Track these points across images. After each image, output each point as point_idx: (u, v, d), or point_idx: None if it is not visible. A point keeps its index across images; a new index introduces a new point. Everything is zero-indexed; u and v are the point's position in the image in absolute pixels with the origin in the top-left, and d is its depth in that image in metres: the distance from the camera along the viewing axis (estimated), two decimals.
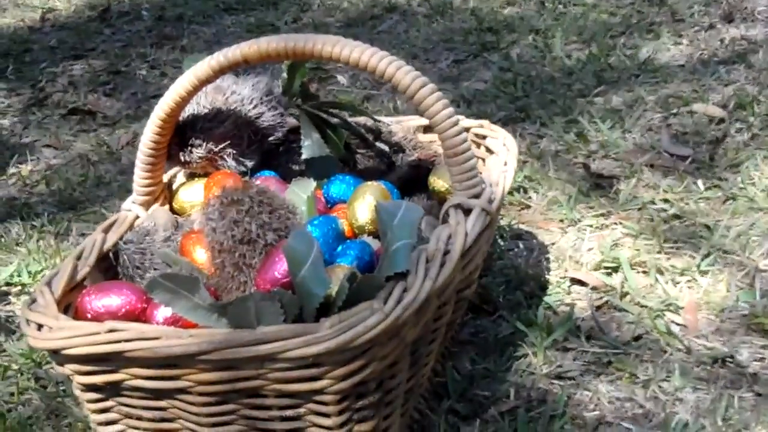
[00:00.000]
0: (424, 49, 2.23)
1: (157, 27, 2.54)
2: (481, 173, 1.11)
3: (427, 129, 1.35)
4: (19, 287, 1.45)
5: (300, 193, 1.13)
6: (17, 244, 1.56)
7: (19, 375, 1.26)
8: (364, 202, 1.12)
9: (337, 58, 1.05)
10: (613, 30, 2.18)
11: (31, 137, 2.00)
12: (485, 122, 1.32)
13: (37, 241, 1.57)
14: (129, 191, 1.70)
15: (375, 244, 1.10)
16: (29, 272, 1.47)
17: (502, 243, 1.45)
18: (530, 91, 1.95)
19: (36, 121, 2.07)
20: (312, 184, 1.14)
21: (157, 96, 2.15)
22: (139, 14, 2.62)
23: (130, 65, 2.33)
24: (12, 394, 1.22)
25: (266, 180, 1.17)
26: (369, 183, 1.16)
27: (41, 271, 1.48)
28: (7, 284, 1.46)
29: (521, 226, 1.50)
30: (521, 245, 1.46)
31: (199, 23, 2.53)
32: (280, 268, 0.95)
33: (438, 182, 1.20)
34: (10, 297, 1.43)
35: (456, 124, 1.05)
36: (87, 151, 1.90)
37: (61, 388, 1.23)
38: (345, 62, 1.05)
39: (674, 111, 1.79)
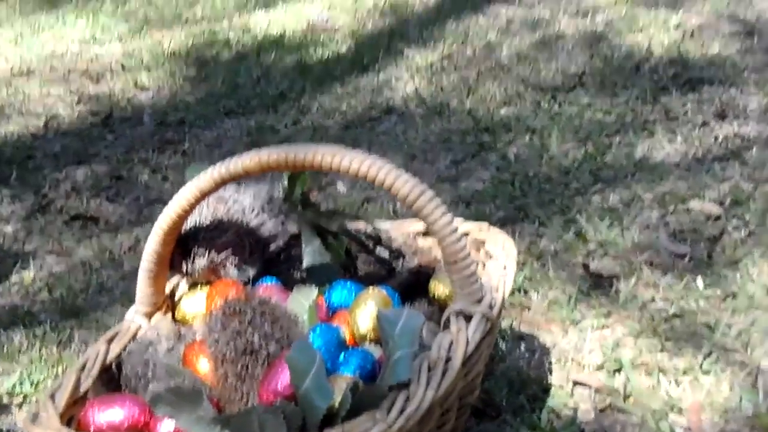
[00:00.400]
0: (423, 150, 2.26)
1: (159, 131, 2.58)
2: (481, 278, 1.12)
3: (426, 233, 1.37)
4: (21, 397, 1.45)
5: (302, 300, 1.14)
6: (20, 353, 1.56)
7: None
8: (366, 310, 1.13)
9: (336, 169, 1.06)
10: (608, 129, 2.21)
11: (34, 244, 2.01)
12: (484, 225, 1.34)
13: (40, 349, 1.57)
14: (131, 298, 1.71)
15: (377, 351, 1.10)
16: (31, 382, 1.47)
17: (503, 345, 1.46)
18: (528, 190, 1.97)
19: (39, 228, 2.09)
20: (314, 291, 1.15)
21: (159, 201, 2.19)
22: (141, 119, 2.66)
23: (132, 170, 2.35)
24: None
25: (268, 288, 1.18)
26: (370, 290, 1.17)
27: (43, 380, 1.48)
28: (9, 394, 1.45)
29: (522, 328, 1.50)
30: (523, 347, 1.46)
31: (201, 127, 2.57)
32: (282, 379, 0.95)
33: (439, 288, 1.21)
34: (12, 407, 1.43)
35: (455, 231, 1.07)
36: (89, 258, 1.91)
37: None
38: (345, 172, 1.06)
39: (671, 209, 1.81)
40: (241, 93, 2.75)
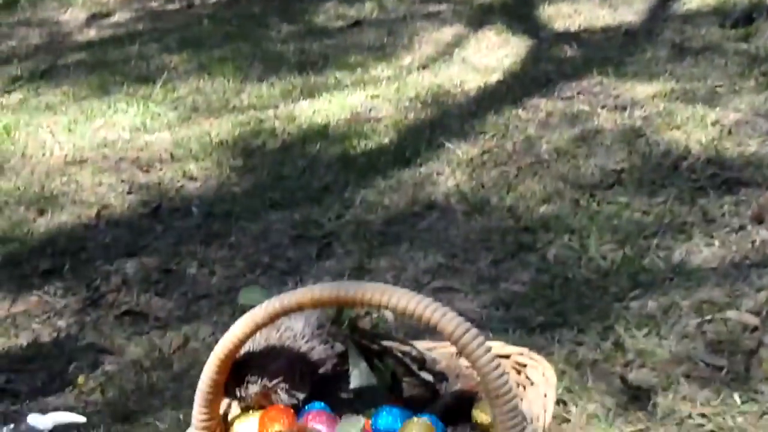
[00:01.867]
0: (463, 249, 2.31)
1: (206, 223, 2.65)
2: (522, 408, 1.16)
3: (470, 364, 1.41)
4: None
5: (350, 429, 1.19)
6: None
7: None
8: None
9: (385, 306, 1.12)
10: (646, 230, 2.25)
11: (87, 340, 2.08)
12: (525, 350, 1.39)
13: None
14: (180, 401, 1.78)
15: None
16: None
17: None
18: (567, 294, 2.01)
19: (91, 323, 2.16)
20: (361, 420, 1.20)
21: (207, 296, 2.26)
22: (189, 211, 2.74)
23: (180, 263, 2.43)
24: None
25: (317, 415, 1.23)
26: (415, 419, 1.21)
27: None
28: None
29: None
30: None
31: (247, 219, 2.64)
32: None
33: (482, 416, 1.26)
34: None
35: (498, 367, 1.11)
36: (140, 356, 1.98)
37: None
38: (392, 310, 1.12)
39: (708, 318, 1.85)
40: (287, 185, 2.82)
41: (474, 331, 1.12)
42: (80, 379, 1.90)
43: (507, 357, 1.37)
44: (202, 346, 1.99)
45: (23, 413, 1.60)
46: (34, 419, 1.11)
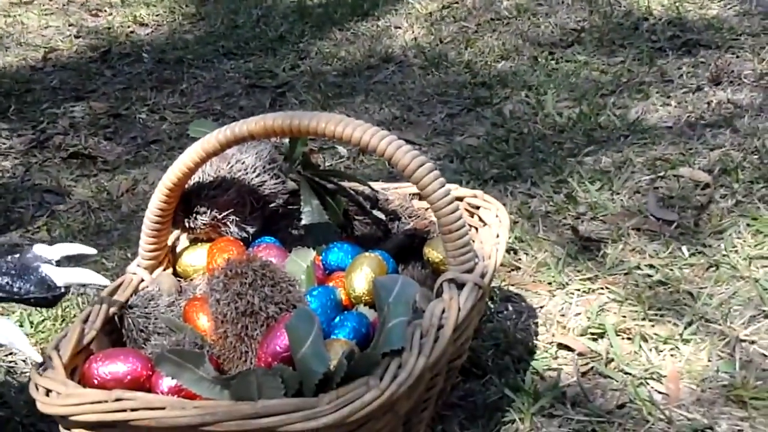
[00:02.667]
0: (419, 102, 2.28)
1: (157, 70, 2.59)
2: (473, 246, 1.16)
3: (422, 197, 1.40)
4: None
5: (300, 262, 1.18)
6: None
7: (20, 427, 1.29)
8: (361, 274, 1.17)
9: (339, 137, 1.09)
10: (604, 88, 2.23)
11: (33, 181, 2.04)
12: (479, 192, 1.37)
13: None
14: (128, 241, 1.75)
15: (371, 313, 1.14)
16: (31, 322, 1.51)
17: (491, 305, 1.50)
18: (522, 148, 2.00)
19: (37, 164, 2.11)
20: (311, 253, 1.19)
21: (157, 141, 2.22)
22: (140, 56, 2.67)
23: (130, 108, 2.37)
24: None
25: (267, 248, 1.21)
26: (366, 254, 1.20)
27: (42, 321, 1.52)
28: None
29: (511, 288, 1.55)
30: (510, 308, 1.50)
31: (199, 67, 2.58)
32: (281, 342, 0.99)
33: (433, 253, 1.25)
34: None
35: (451, 202, 1.10)
36: (87, 198, 1.94)
37: None
38: (347, 141, 1.09)
39: (661, 174, 1.85)
40: (240, 33, 2.76)
41: (429, 164, 1.10)
42: (25, 217, 1.87)
43: (461, 200, 1.36)
44: (151, 189, 1.95)
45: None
46: (40, 249, 1.08)
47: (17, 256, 1.08)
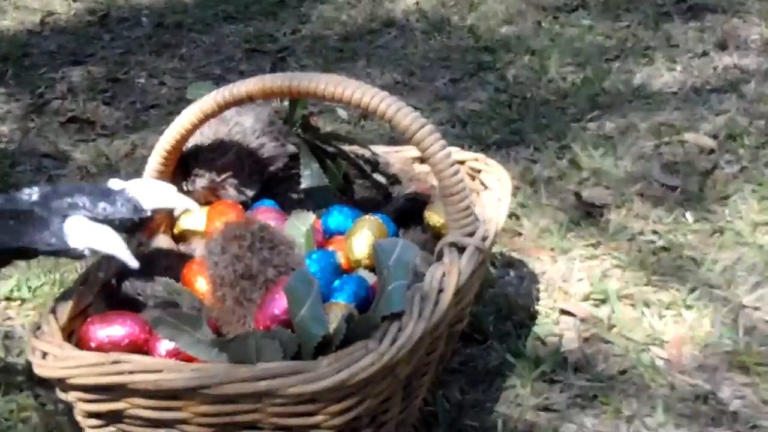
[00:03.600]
0: (421, 67, 2.25)
1: (156, 34, 2.56)
2: (474, 210, 1.14)
3: (423, 160, 1.38)
4: (19, 302, 1.48)
5: (299, 225, 1.16)
6: None
7: (18, 392, 1.29)
8: (361, 237, 1.15)
9: (339, 99, 1.08)
10: (608, 53, 2.21)
11: (31, 146, 2.02)
12: (481, 156, 1.36)
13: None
14: None
15: (371, 277, 1.13)
16: (29, 287, 1.50)
17: (493, 270, 1.49)
18: (525, 113, 1.98)
19: (35, 129, 2.09)
20: (311, 217, 1.18)
21: (156, 106, 2.19)
22: (139, 21, 2.64)
23: (129, 73, 2.35)
24: (11, 411, 1.25)
25: (266, 211, 1.20)
26: (366, 217, 1.19)
27: (41, 285, 1.51)
28: (7, 299, 1.48)
29: (513, 254, 1.53)
30: (512, 273, 1.49)
31: (199, 31, 2.55)
32: (279, 305, 0.98)
33: (433, 217, 1.23)
34: (9, 312, 1.46)
35: (452, 165, 1.09)
36: (86, 162, 1.93)
37: (60, 406, 1.25)
38: (346, 102, 1.08)
39: (666, 140, 1.83)
40: None
41: (430, 126, 1.08)
42: (23, 181, 1.85)
43: (462, 163, 1.34)
44: (150, 154, 1.93)
45: None
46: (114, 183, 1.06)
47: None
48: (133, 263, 1.02)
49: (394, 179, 1.32)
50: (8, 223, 1.02)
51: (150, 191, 1.05)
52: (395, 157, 1.37)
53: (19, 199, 1.03)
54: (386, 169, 1.32)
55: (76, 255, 1.02)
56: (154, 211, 1.04)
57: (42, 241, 1.01)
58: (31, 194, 1.04)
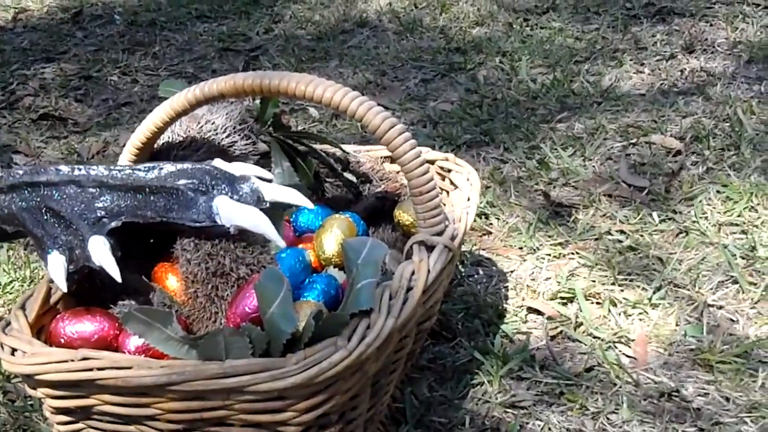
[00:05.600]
0: (393, 67, 2.27)
1: (129, 32, 2.56)
2: (444, 209, 1.16)
3: (393, 159, 1.39)
4: None
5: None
6: None
7: None
8: (331, 235, 1.17)
9: (309, 98, 1.09)
10: (577, 55, 2.23)
11: (2, 142, 2.02)
12: (450, 156, 1.37)
13: (8, 251, 1.59)
14: None
15: (340, 276, 1.14)
16: None
17: (462, 269, 1.50)
18: (495, 114, 2.00)
19: (6, 125, 2.09)
20: (281, 215, 1.18)
21: (128, 104, 2.20)
22: (112, 18, 2.64)
23: (101, 71, 2.35)
24: None
25: None
26: (336, 216, 1.20)
27: (10, 283, 1.51)
28: None
29: (482, 252, 1.55)
30: (481, 272, 1.50)
31: (172, 30, 2.56)
32: (250, 303, 0.99)
33: (403, 216, 1.25)
34: None
35: (422, 165, 1.10)
36: (57, 159, 1.93)
37: (29, 402, 1.26)
38: (318, 101, 1.09)
39: (633, 141, 1.85)
40: None
41: (400, 126, 1.10)
42: None
43: (432, 162, 1.35)
44: (122, 151, 1.94)
45: None
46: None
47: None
48: (281, 243, 1.04)
49: (364, 178, 1.33)
50: (150, 198, 1.03)
51: (268, 183, 1.06)
52: (366, 156, 1.38)
53: (145, 177, 1.05)
54: (357, 167, 1.33)
55: (220, 232, 1.03)
56: (273, 204, 1.05)
57: (188, 217, 1.03)
58: (155, 169, 1.05)
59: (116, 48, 2.46)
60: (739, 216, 1.59)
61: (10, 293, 1.50)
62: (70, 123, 2.10)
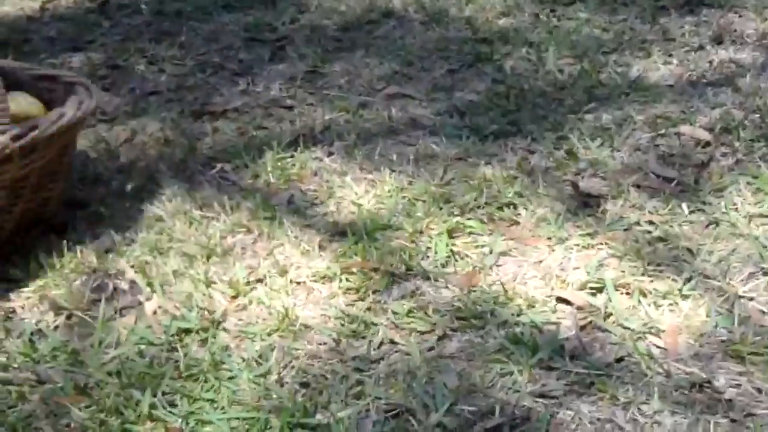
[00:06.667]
0: (420, 57, 2.26)
1: (156, 22, 2.57)
2: None
3: None
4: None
5: None
6: None
7: (19, 373, 1.30)
8: None
9: None
10: (605, 46, 2.22)
11: None
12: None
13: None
14: (125, 191, 1.75)
15: None
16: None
17: (492, 258, 1.50)
18: (522, 104, 1.99)
19: None
20: None
21: (155, 93, 2.20)
22: (138, 8, 2.64)
23: (128, 60, 2.35)
24: (11, 392, 1.26)
25: None
26: None
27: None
28: (7, 280, 1.50)
29: (510, 243, 1.55)
30: (509, 261, 1.50)
31: (198, 20, 2.56)
32: None
33: None
34: (10, 294, 1.47)
35: None
36: (86, 148, 1.93)
37: (59, 385, 1.26)
38: None
39: (662, 132, 1.84)
40: None
41: None
42: None
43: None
44: (149, 140, 1.95)
45: None
46: None
47: None
48: None
49: None
50: None
51: None
52: None
53: None
54: None
55: None
56: None
57: None
58: None
59: (143, 37, 2.47)
60: None
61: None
62: (98, 112, 2.10)
